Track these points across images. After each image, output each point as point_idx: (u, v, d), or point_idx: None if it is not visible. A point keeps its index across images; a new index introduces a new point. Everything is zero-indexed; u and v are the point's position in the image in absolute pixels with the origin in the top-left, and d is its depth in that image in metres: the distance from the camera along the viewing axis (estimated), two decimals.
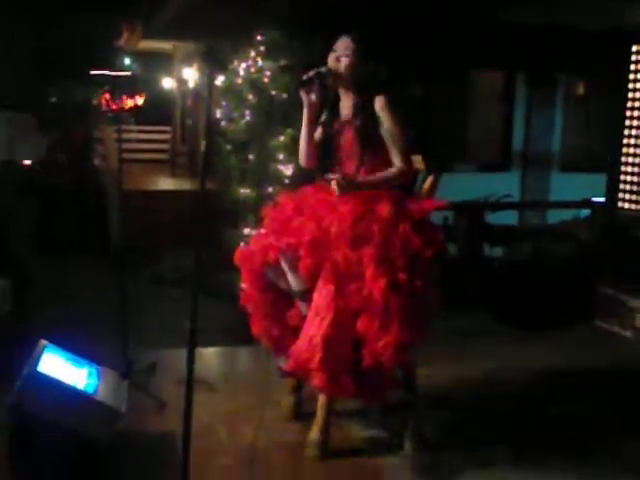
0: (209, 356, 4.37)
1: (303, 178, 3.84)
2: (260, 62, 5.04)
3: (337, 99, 3.23)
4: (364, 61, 3.08)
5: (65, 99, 10.18)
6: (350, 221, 2.86)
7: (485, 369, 4.18)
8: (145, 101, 12.90)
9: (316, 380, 2.83)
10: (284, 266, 3.00)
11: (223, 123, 5.12)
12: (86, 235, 7.73)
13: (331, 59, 3.11)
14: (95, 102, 10.66)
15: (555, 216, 8.65)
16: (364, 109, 3.08)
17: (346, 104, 3.19)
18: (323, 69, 3.09)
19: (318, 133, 3.26)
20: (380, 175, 3.08)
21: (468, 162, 9.28)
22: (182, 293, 5.73)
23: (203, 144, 2.24)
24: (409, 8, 6.34)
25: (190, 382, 2.18)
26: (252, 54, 5.06)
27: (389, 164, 3.09)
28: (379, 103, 3.07)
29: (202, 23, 7.01)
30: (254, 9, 5.21)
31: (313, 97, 3.15)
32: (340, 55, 3.10)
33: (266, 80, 5.00)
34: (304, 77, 3.08)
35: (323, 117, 3.25)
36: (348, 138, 3.15)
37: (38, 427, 2.66)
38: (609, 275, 5.36)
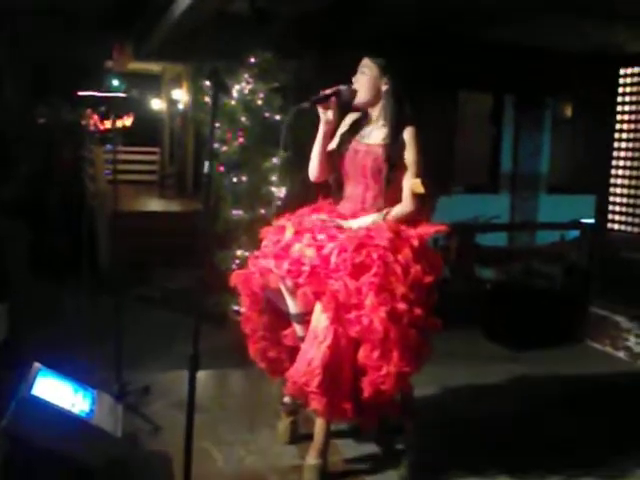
0: (203, 379, 4.32)
1: (296, 200, 3.83)
2: (253, 84, 5.04)
3: (361, 117, 3.20)
4: (397, 93, 3.08)
5: (54, 119, 10.12)
6: (351, 250, 2.79)
7: (477, 390, 4.19)
8: (133, 122, 12.87)
9: (315, 403, 2.79)
10: (283, 290, 2.97)
11: (216, 145, 5.10)
12: (76, 256, 7.66)
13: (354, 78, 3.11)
14: (84, 123, 10.61)
15: (544, 237, 8.72)
16: (396, 140, 3.04)
17: (372, 127, 3.15)
18: (343, 87, 3.06)
19: (333, 145, 3.21)
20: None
21: (456, 184, 9.32)
22: (169, 314, 5.70)
23: (206, 165, 2.22)
24: (398, 28, 6.38)
25: (191, 407, 2.16)
26: (245, 76, 5.06)
27: (395, 192, 3.06)
28: (409, 134, 3.05)
29: (193, 45, 7.02)
30: (246, 31, 5.21)
31: (330, 114, 3.11)
32: (358, 74, 3.09)
33: (259, 102, 5.00)
34: (321, 93, 3.04)
35: (340, 131, 3.22)
36: (365, 162, 3.08)
37: (32, 451, 2.61)
38: (599, 296, 5.38)
